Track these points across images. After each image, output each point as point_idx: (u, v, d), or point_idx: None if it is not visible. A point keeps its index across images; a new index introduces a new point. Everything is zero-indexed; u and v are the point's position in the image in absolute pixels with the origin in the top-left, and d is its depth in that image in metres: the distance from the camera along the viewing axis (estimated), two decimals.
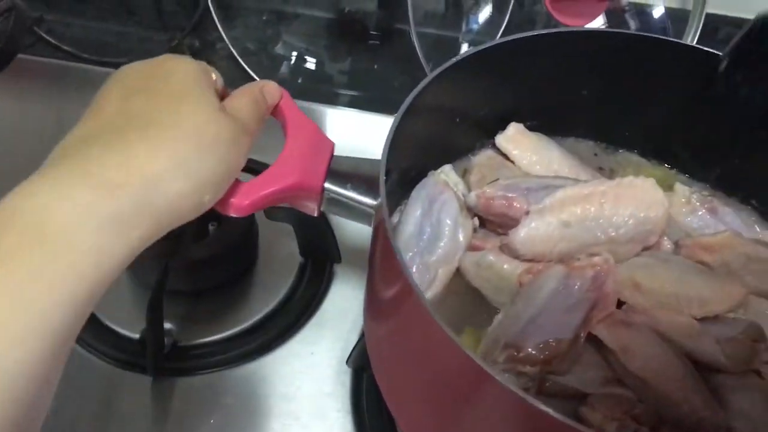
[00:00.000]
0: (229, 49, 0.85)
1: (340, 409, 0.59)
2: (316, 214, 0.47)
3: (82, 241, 0.31)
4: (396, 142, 0.44)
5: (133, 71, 0.41)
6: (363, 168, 0.46)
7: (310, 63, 0.90)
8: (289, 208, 0.63)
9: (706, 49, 0.52)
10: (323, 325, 0.64)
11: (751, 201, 0.58)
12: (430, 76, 0.48)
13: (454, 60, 0.49)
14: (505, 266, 0.48)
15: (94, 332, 0.61)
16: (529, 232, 0.47)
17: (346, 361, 0.60)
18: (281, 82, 0.47)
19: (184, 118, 0.38)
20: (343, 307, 0.65)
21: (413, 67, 0.79)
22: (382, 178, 0.42)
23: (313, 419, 0.58)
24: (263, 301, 0.65)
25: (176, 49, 0.86)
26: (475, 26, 0.84)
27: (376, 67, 0.90)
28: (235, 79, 0.79)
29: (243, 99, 0.43)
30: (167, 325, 0.61)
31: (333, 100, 0.86)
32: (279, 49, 0.90)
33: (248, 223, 0.65)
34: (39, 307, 0.29)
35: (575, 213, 0.47)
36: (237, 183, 0.42)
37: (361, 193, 0.45)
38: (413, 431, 0.48)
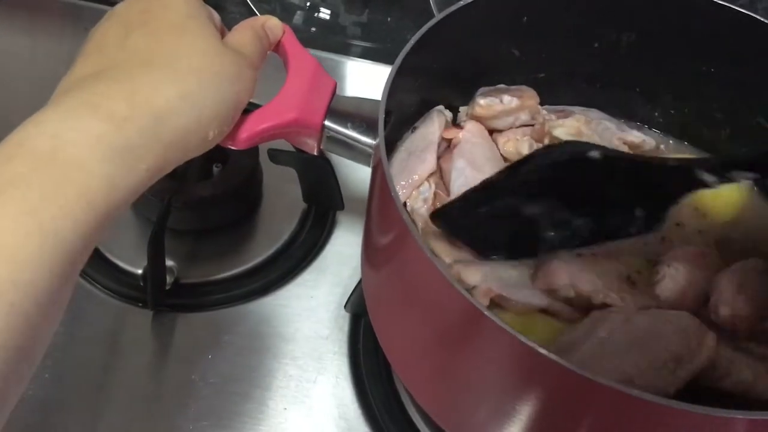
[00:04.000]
0: None
1: (337, 352, 0.60)
2: (315, 153, 0.48)
3: (92, 169, 0.32)
4: (397, 83, 0.44)
5: (129, 7, 0.41)
6: (364, 108, 0.46)
7: (324, 13, 0.89)
8: (293, 152, 0.64)
9: None
10: (324, 270, 0.65)
11: None
12: (435, 18, 0.48)
13: (461, 3, 0.49)
14: None
15: (96, 265, 0.62)
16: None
17: (345, 306, 0.61)
18: (294, 31, 0.47)
19: (185, 51, 0.38)
20: (344, 254, 0.66)
21: (427, 20, 0.78)
22: (381, 117, 0.42)
23: (310, 360, 0.59)
24: (265, 244, 0.66)
25: None
26: None
27: (389, 19, 0.89)
28: None
29: (245, 33, 0.43)
30: (170, 263, 0.62)
31: (345, 51, 0.85)
32: None
33: (252, 166, 0.65)
34: (51, 230, 0.30)
35: None
36: None
37: (360, 133, 0.45)
38: (408, 375, 0.48)
